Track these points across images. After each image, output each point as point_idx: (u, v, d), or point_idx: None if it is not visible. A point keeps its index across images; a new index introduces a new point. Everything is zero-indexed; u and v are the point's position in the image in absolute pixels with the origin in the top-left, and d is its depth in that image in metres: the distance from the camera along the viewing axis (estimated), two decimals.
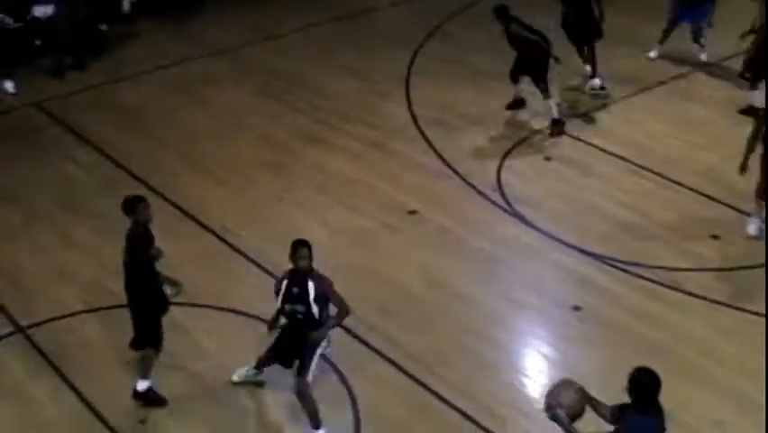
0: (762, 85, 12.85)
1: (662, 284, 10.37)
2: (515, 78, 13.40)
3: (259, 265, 10.58)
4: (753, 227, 11.13)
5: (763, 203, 10.97)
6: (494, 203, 11.85)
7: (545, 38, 13.01)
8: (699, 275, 10.52)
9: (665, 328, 9.74)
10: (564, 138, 13.23)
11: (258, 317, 9.47)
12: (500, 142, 13.13)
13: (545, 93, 13.11)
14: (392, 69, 15.26)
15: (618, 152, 12.83)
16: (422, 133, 13.43)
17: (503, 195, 11.96)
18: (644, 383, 6.33)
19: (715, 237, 11.13)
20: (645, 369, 6.37)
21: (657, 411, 6.40)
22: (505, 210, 11.72)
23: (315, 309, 8.08)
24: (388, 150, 13.06)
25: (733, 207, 11.58)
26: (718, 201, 11.76)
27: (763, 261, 10.50)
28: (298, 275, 8.08)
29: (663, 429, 6.44)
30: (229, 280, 10.47)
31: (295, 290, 8.09)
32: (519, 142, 13.13)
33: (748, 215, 11.22)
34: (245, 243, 11.05)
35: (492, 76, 14.46)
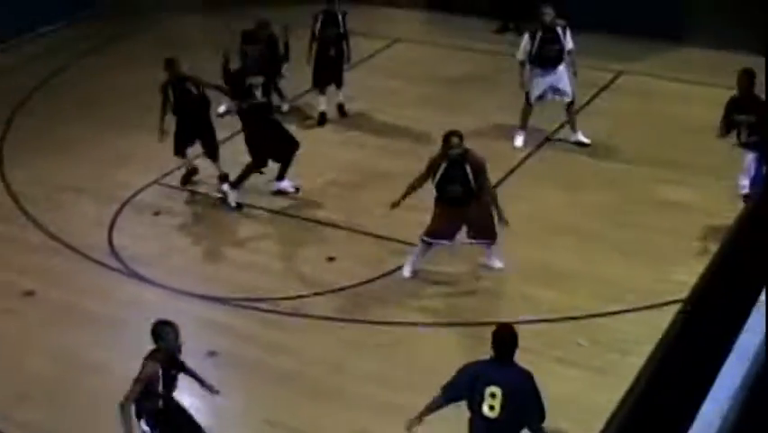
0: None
1: (287, 314, 10.76)
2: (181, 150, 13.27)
3: None
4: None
5: None
6: (111, 268, 11.76)
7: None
8: (321, 298, 11.01)
9: (296, 355, 10.13)
10: (169, 190, 13.35)
11: None
12: (107, 205, 13.03)
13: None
14: None
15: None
16: (25, 212, 13.06)
17: (118, 258, 11.90)
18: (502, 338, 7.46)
19: (331, 259, 11.69)
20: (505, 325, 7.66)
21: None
22: (123, 273, 11.67)
23: None
24: None
25: (344, 228, 12.23)
26: (329, 224, 12.37)
27: (371, 277, 11.18)
28: None
29: None
30: None
31: None
32: (125, 202, 13.09)
33: (364, 233, 11.88)
34: None
35: (85, 142, 14.38)
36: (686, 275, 10.94)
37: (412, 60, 17.23)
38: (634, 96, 15.36)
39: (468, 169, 10.54)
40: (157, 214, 12.85)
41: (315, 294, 11.07)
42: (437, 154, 10.74)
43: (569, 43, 13.52)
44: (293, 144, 12.79)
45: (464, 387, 7.60)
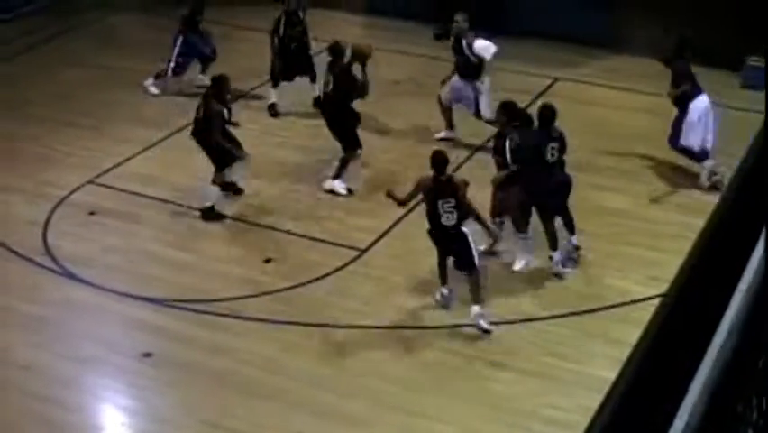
0: None
1: (223, 315, 10.72)
2: None
3: None
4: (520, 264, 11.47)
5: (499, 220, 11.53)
6: (44, 267, 11.63)
7: None
8: (257, 300, 10.99)
9: (232, 355, 10.10)
10: (104, 190, 13.23)
11: None
12: (41, 204, 12.85)
13: None
14: None
15: (159, 194, 13.05)
16: None
17: (53, 258, 11.77)
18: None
19: (268, 261, 11.67)
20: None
21: None
22: (57, 272, 11.54)
23: None
24: None
25: (280, 230, 12.23)
26: (264, 226, 12.36)
27: (306, 280, 11.21)
28: None
29: None
30: None
31: None
32: (60, 201, 12.95)
33: (300, 235, 11.91)
34: None
35: (19, 140, 14.25)
36: (621, 281, 11.16)
37: None
38: (569, 103, 15.50)
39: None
40: (92, 213, 12.72)
41: (252, 296, 11.04)
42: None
43: (482, 54, 13.59)
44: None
45: None
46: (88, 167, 13.65)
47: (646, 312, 9.93)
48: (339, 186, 12.97)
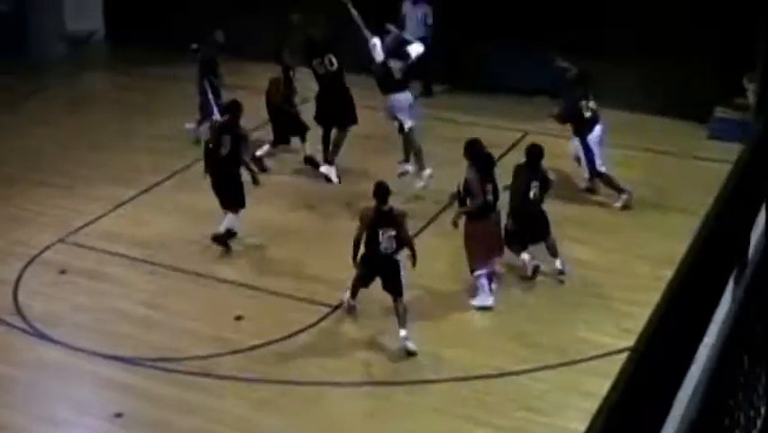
0: None
1: (194, 373, 10.63)
2: None
3: None
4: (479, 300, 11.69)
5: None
6: (14, 327, 11.52)
7: None
8: (228, 358, 10.91)
9: (203, 414, 10.02)
10: (75, 248, 13.17)
11: None
12: (12, 263, 12.76)
13: None
14: None
15: (129, 252, 12.99)
16: None
17: (23, 317, 11.67)
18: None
19: (239, 318, 11.61)
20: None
21: None
22: (27, 332, 11.43)
23: None
24: None
25: (252, 287, 12.18)
26: (236, 283, 12.31)
27: (278, 337, 11.16)
28: None
29: None
30: None
31: None
32: (31, 260, 12.86)
33: (272, 292, 11.85)
34: None
35: None
36: (593, 333, 11.16)
37: None
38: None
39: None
40: (63, 272, 12.64)
41: (223, 354, 10.96)
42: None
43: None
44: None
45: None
46: (59, 225, 13.59)
47: (619, 365, 9.91)
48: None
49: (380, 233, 10.80)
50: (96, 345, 11.12)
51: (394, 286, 10.90)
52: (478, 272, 11.56)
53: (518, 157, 15.38)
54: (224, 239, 12.75)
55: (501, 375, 10.50)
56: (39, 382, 10.62)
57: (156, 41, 18.94)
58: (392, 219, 10.88)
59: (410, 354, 10.73)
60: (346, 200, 13.95)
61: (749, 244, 2.89)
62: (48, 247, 13.16)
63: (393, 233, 10.83)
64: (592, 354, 10.72)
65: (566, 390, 10.25)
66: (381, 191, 10.92)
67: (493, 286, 11.67)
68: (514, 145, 15.63)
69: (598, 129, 14.00)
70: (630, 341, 10.70)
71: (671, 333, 2.29)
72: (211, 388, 10.45)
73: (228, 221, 12.74)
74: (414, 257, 11.05)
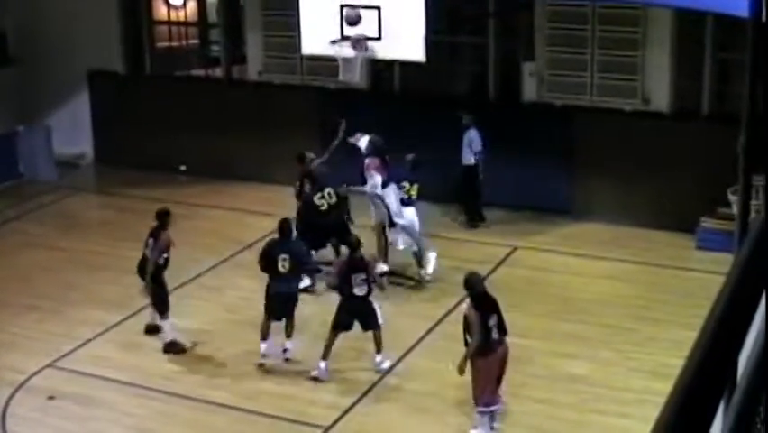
0: None
1: None
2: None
3: None
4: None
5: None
6: None
7: None
8: None
9: None
10: (63, 373, 13.04)
11: None
12: None
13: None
14: None
15: (118, 376, 12.85)
16: None
17: None
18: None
19: None
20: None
21: None
22: None
23: None
24: None
25: (240, 409, 12.02)
26: (225, 406, 12.17)
27: None
28: None
29: None
30: None
31: None
32: (19, 386, 12.71)
33: (260, 413, 11.69)
34: None
35: None
36: None
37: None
38: (530, 271, 15.64)
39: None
40: (51, 398, 12.48)
41: None
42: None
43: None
44: None
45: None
46: (48, 351, 13.46)
47: None
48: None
49: (353, 277, 12.26)
50: None
51: (371, 323, 12.43)
52: (480, 409, 11.05)
53: (505, 271, 15.49)
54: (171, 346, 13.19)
55: None
56: None
57: (144, 164, 19.19)
58: (363, 265, 12.51)
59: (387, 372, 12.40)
60: None
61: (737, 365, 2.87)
62: (36, 372, 13.03)
63: (364, 276, 12.31)
64: None
65: None
66: (351, 242, 12.79)
67: (495, 425, 11.23)
68: (502, 262, 15.69)
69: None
70: None
71: None
72: None
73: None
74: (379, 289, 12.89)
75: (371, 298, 12.39)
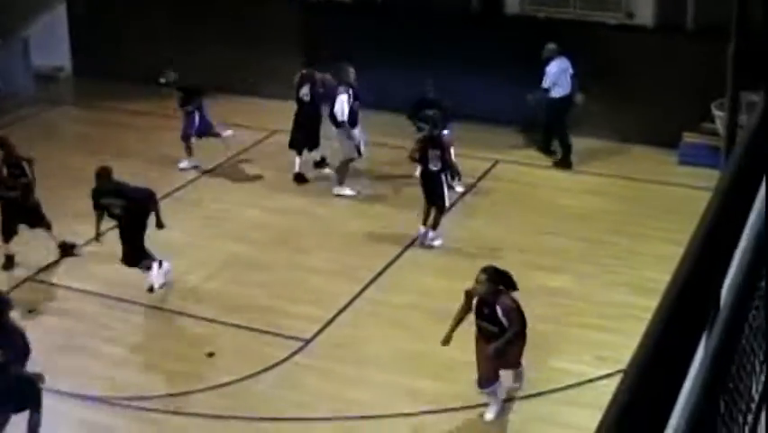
0: None
1: (165, 411, 10.45)
2: None
3: None
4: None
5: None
6: None
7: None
8: (200, 395, 10.74)
9: None
10: (44, 286, 13.01)
11: None
12: None
13: None
14: None
15: (99, 290, 12.82)
16: None
17: None
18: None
19: (211, 354, 11.44)
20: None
21: None
22: None
23: None
24: None
25: (221, 322, 12.02)
26: (202, 318, 12.15)
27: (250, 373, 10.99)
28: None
29: None
30: None
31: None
32: None
33: (243, 327, 11.72)
34: None
35: None
36: (570, 362, 11.06)
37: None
38: (511, 185, 15.60)
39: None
40: (31, 311, 12.44)
41: (195, 391, 10.79)
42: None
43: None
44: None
45: None
46: (28, 263, 13.39)
47: (596, 393, 9.84)
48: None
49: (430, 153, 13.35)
50: (66, 384, 10.90)
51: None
52: (488, 390, 10.18)
53: (486, 185, 15.44)
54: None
55: (477, 406, 10.37)
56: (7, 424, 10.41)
57: (122, 76, 18.94)
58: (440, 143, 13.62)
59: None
60: (317, 237, 13.93)
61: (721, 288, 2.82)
62: (15, 286, 12.97)
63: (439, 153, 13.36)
64: (568, 384, 10.62)
65: (544, 421, 10.15)
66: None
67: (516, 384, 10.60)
68: (483, 175, 15.64)
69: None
70: (607, 369, 10.68)
71: (659, 360, 2.20)
72: (185, 426, 10.28)
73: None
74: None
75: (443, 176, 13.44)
